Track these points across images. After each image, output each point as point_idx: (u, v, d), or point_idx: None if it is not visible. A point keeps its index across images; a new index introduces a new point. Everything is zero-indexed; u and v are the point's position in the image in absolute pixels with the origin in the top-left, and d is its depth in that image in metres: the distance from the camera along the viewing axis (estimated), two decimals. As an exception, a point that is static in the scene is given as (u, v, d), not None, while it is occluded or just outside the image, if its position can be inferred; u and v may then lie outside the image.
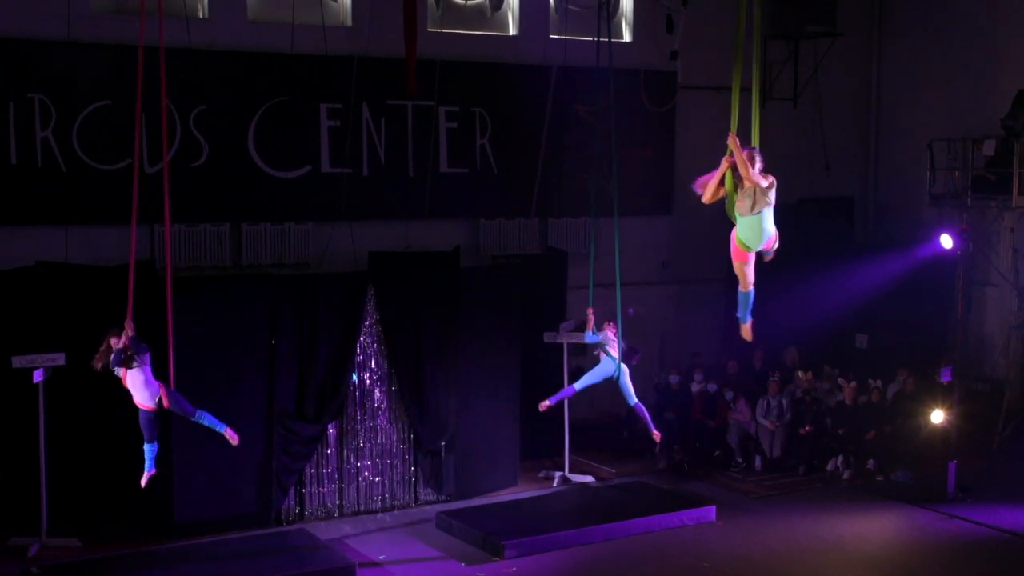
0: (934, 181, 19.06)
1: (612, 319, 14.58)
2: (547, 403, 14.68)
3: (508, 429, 15.81)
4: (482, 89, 17.79)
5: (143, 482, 11.66)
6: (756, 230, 8.98)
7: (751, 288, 9.32)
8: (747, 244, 9.07)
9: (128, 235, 15.43)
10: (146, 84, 15.42)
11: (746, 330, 9.61)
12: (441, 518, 14.34)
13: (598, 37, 14.75)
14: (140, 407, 11.42)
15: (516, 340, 15.79)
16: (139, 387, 11.32)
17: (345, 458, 14.68)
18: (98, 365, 11.33)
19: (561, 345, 16.02)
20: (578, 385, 14.80)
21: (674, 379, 17.50)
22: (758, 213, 8.91)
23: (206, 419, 11.76)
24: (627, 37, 19.29)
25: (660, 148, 19.32)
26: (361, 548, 13.51)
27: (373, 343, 14.80)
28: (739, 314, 9.51)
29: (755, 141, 9.09)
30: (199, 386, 13.57)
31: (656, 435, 14.70)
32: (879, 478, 16.31)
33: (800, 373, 17.40)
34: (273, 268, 16.09)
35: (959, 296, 17.43)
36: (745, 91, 9.23)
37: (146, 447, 11.59)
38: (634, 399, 14.60)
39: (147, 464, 11.60)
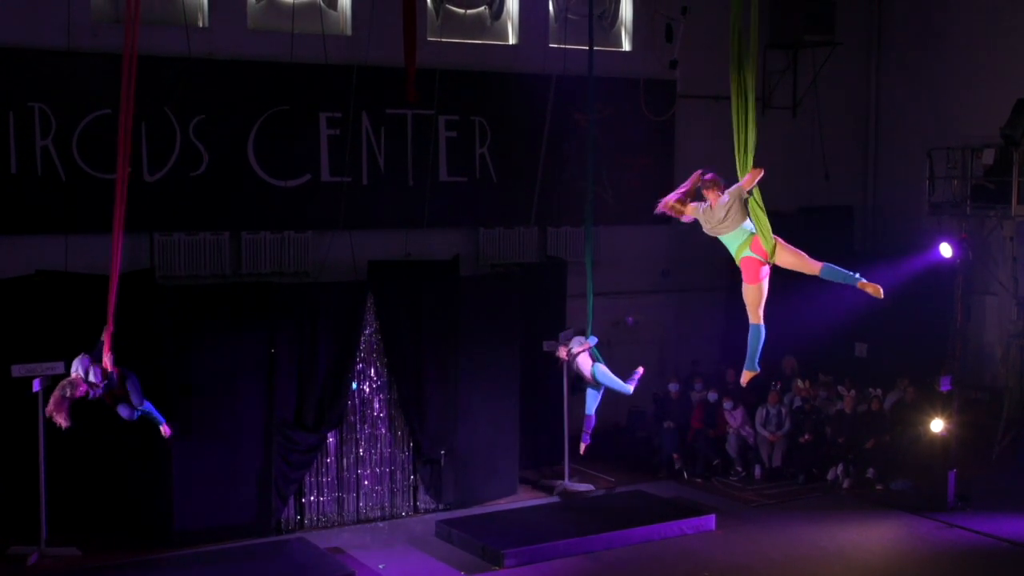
0: (933, 190, 19.05)
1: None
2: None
3: (508, 437, 15.80)
4: (482, 98, 17.81)
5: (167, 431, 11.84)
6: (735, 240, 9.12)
7: (760, 320, 9.16)
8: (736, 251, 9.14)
9: (127, 243, 15.49)
10: (144, 93, 15.53)
11: (746, 376, 9.46)
12: (441, 527, 14.33)
13: (591, 45, 14.75)
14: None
15: (515, 349, 15.79)
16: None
17: (345, 467, 14.67)
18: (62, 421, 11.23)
19: (560, 354, 16.02)
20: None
21: (674, 388, 17.50)
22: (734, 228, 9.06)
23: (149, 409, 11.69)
24: (627, 46, 19.33)
25: (660, 157, 19.34)
26: (360, 557, 13.49)
27: (372, 352, 14.80)
28: (747, 361, 9.30)
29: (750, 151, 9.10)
30: (198, 395, 13.61)
31: (583, 446, 14.54)
32: (878, 487, 16.30)
33: (799, 382, 17.41)
34: (273, 277, 16.08)
35: (958, 305, 17.45)
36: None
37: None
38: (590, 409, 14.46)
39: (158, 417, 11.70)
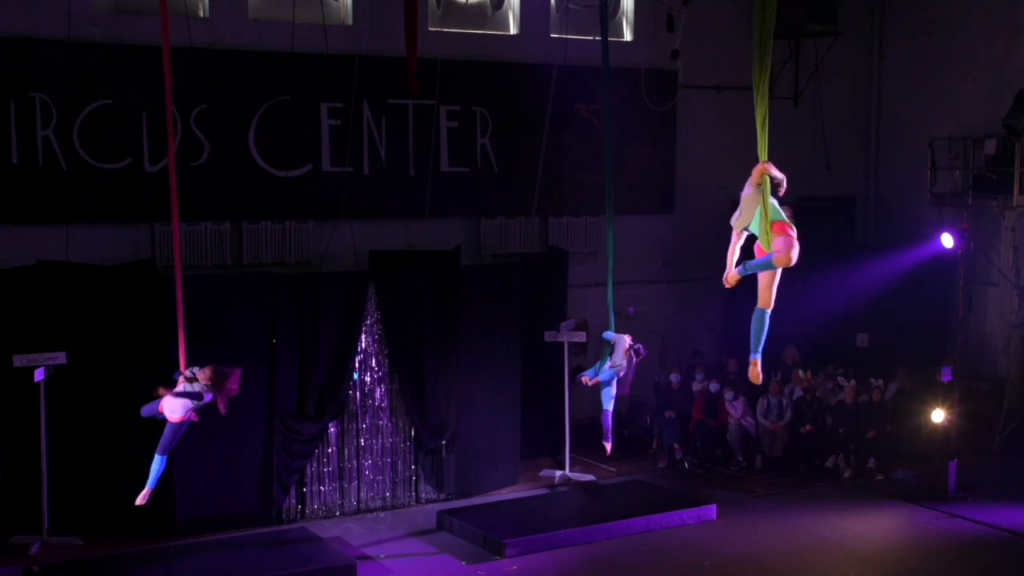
0: (935, 180, 19.05)
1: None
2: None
3: (509, 428, 15.81)
4: (483, 88, 17.79)
5: (141, 499, 11.44)
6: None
7: (770, 306, 8.84)
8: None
9: (128, 233, 15.58)
10: (145, 83, 15.57)
11: (755, 368, 8.91)
12: (442, 517, 14.35)
13: (605, 36, 14.60)
14: (172, 419, 11.24)
15: (517, 339, 15.79)
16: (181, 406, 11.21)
17: (346, 457, 14.69)
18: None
19: (562, 344, 16.02)
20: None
21: (675, 378, 17.51)
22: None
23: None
24: (628, 36, 19.29)
25: (661, 147, 19.32)
26: (362, 546, 13.52)
27: (374, 342, 14.80)
28: (752, 349, 8.81)
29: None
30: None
31: (607, 445, 13.71)
32: (880, 477, 16.31)
33: (800, 372, 17.41)
34: (274, 267, 16.09)
35: (960, 295, 17.43)
36: (748, 90, 9.17)
37: (157, 458, 11.31)
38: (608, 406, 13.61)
39: (151, 479, 11.35)
